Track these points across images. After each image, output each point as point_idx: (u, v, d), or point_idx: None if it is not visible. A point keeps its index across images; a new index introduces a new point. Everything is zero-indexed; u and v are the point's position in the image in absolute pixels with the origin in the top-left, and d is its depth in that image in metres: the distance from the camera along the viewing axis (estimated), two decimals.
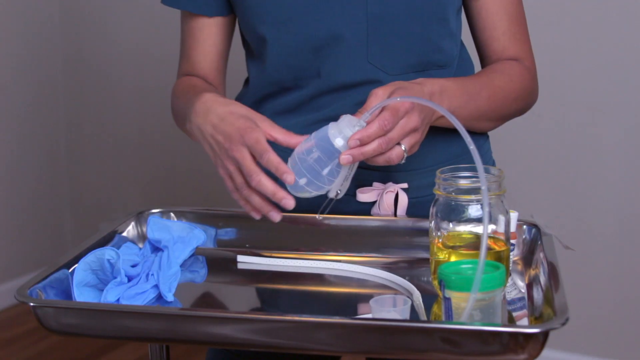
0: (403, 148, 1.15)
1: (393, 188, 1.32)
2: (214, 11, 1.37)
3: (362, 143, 1.11)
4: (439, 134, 1.32)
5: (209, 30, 1.40)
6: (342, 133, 1.11)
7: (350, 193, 1.33)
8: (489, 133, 1.44)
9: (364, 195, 1.33)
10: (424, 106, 1.17)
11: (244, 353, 1.33)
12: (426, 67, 1.32)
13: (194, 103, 1.23)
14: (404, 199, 1.32)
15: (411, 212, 1.33)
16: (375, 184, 1.33)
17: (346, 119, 1.12)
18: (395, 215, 1.33)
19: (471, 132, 1.37)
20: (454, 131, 1.33)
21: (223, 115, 1.18)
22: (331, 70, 1.30)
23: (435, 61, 1.33)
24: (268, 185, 1.13)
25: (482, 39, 1.38)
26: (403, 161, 1.16)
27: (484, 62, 1.40)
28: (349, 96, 1.30)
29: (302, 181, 1.12)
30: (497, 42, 1.37)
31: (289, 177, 1.11)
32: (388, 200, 1.31)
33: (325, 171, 1.12)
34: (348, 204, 1.34)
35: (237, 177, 1.16)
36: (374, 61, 1.30)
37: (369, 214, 1.34)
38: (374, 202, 1.33)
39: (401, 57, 1.30)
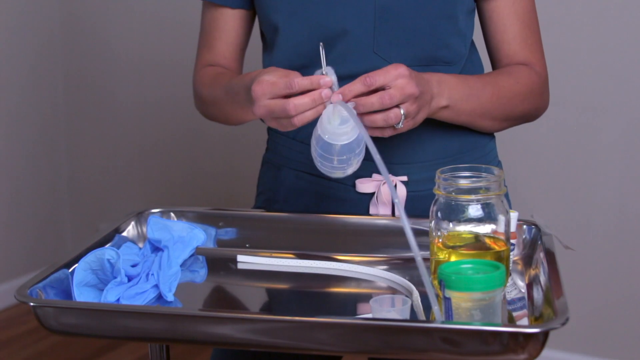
0: (402, 112, 1.15)
1: (392, 180, 1.32)
2: (237, 3, 1.41)
3: (344, 97, 1.14)
4: (439, 129, 1.32)
5: (233, 23, 1.43)
6: (327, 127, 1.13)
7: (350, 183, 1.35)
8: (496, 134, 1.44)
9: (363, 186, 1.34)
10: (422, 80, 1.19)
11: (248, 353, 1.33)
12: (432, 62, 1.33)
13: (246, 82, 1.25)
14: (402, 192, 1.33)
15: (409, 205, 1.33)
16: (374, 175, 1.34)
17: (328, 111, 1.13)
18: (392, 207, 1.33)
19: (477, 132, 1.38)
20: (454, 127, 1.33)
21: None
22: (338, 59, 1.31)
23: (441, 57, 1.33)
24: (303, 80, 1.14)
25: (493, 42, 1.38)
26: (400, 125, 1.17)
27: (495, 66, 1.40)
28: None
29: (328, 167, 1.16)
30: (507, 45, 1.37)
31: (324, 79, 1.13)
32: (386, 192, 1.32)
33: (335, 163, 1.14)
34: (347, 193, 1.35)
35: (280, 105, 1.16)
36: (380, 52, 1.31)
37: (368, 204, 1.34)
38: (373, 194, 1.34)
39: (407, 50, 1.31)
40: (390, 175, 1.34)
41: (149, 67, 3.15)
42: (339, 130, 1.12)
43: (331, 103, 1.14)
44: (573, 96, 2.45)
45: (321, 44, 1.17)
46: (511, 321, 1.08)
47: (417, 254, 0.99)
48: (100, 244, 1.22)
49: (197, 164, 3.15)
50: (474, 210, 1.10)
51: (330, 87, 1.15)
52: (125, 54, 3.20)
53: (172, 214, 1.35)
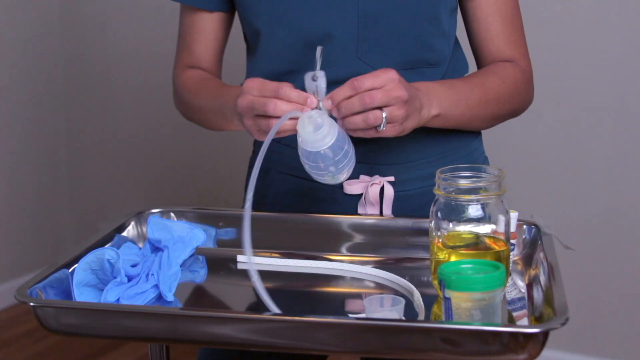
0: (384, 115, 1.14)
1: (379, 180, 1.33)
2: (216, 6, 1.40)
3: (333, 102, 1.14)
4: (424, 130, 1.32)
5: (212, 25, 1.43)
6: (302, 134, 1.13)
7: (338, 185, 1.34)
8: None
9: (351, 188, 1.34)
10: (411, 87, 1.18)
11: (235, 352, 1.33)
12: (416, 64, 1.33)
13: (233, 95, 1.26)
14: (389, 192, 1.33)
15: (397, 205, 1.34)
16: (362, 176, 1.34)
17: (306, 116, 1.14)
18: (381, 208, 1.33)
19: (464, 131, 1.38)
20: (443, 129, 1.33)
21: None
22: (322, 64, 1.30)
23: (426, 59, 1.33)
24: (292, 91, 1.14)
25: (477, 40, 1.38)
26: (382, 128, 1.15)
27: (479, 64, 1.40)
28: None
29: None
30: (491, 43, 1.37)
31: (310, 99, 1.13)
32: (373, 193, 1.32)
33: (322, 170, 1.15)
34: (334, 195, 1.35)
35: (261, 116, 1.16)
36: (364, 57, 1.31)
37: (356, 206, 1.34)
38: (361, 195, 1.34)
39: (391, 54, 1.31)
40: (377, 176, 1.34)
41: (151, 68, 3.15)
42: (312, 137, 1.12)
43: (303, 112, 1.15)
44: (573, 96, 2.45)
45: (320, 47, 1.17)
46: (511, 321, 1.08)
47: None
48: (100, 244, 1.22)
49: (197, 164, 3.15)
50: (474, 210, 1.10)
51: (317, 107, 1.15)
52: (127, 53, 3.20)
53: (172, 214, 1.35)
